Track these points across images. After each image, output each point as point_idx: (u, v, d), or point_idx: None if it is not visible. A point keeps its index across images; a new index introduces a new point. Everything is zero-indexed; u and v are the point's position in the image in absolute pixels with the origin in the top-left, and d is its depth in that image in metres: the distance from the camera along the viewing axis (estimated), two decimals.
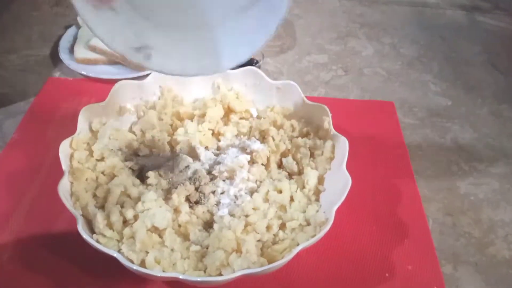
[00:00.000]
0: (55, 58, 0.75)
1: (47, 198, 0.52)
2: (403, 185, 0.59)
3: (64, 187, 0.45)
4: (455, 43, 0.90)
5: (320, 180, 0.52)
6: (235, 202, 0.51)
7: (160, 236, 0.45)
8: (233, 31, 0.38)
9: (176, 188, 0.49)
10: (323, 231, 0.43)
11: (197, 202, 0.50)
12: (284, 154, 0.56)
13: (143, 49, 0.37)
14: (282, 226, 0.49)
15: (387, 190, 0.58)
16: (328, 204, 0.48)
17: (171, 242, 0.45)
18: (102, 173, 0.51)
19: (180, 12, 0.38)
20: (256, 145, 0.55)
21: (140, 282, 0.46)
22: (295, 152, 0.56)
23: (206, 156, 0.55)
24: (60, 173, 0.46)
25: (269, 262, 0.43)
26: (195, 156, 0.54)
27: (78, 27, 0.79)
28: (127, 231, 0.44)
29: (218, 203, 0.51)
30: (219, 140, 0.58)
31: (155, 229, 0.45)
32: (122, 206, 0.47)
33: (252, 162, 0.54)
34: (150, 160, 0.54)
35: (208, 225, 0.50)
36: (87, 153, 0.51)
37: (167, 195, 0.49)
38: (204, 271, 0.43)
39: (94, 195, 0.49)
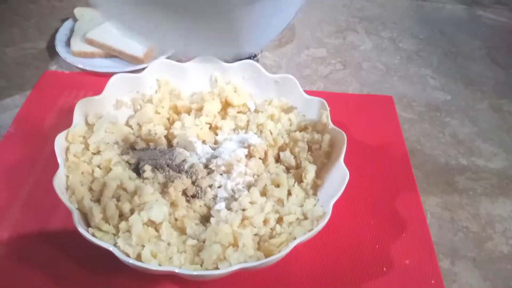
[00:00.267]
0: (51, 51, 0.74)
1: (43, 192, 0.52)
2: (401, 180, 0.59)
3: (59, 180, 0.45)
4: (454, 37, 0.89)
5: (318, 174, 0.52)
6: (232, 196, 0.51)
7: (157, 230, 0.45)
8: (251, 15, 0.38)
9: (172, 182, 0.49)
10: (321, 225, 0.42)
11: (194, 196, 0.50)
12: (281, 148, 0.56)
13: None
14: (279, 220, 0.48)
15: (385, 185, 0.58)
16: (325, 198, 0.48)
17: (168, 236, 0.45)
18: (98, 166, 0.51)
19: None
20: (253, 139, 0.54)
21: (136, 276, 0.46)
22: (293, 146, 0.55)
23: (203, 150, 0.55)
24: (57, 167, 0.45)
25: (266, 256, 0.43)
26: (192, 150, 0.54)
27: (75, 20, 0.78)
28: (123, 224, 0.44)
29: (215, 197, 0.51)
30: (216, 134, 0.58)
31: (151, 223, 0.45)
32: (118, 200, 0.47)
33: (249, 156, 0.54)
34: (147, 154, 0.53)
35: (205, 219, 0.49)
36: (83, 146, 0.50)
37: (163, 189, 0.49)
38: (201, 265, 0.43)
39: (90, 189, 0.48)
